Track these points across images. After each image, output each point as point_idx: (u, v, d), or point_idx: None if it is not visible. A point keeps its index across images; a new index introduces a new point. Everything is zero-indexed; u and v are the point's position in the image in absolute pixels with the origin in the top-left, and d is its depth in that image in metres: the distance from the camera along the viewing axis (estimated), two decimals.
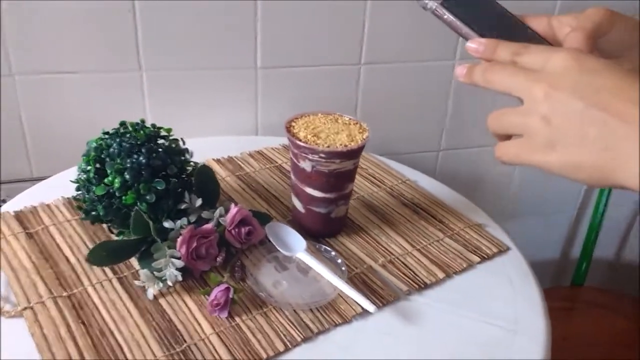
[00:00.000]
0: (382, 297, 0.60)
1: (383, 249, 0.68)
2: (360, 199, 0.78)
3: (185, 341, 0.53)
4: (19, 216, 0.68)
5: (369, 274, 0.64)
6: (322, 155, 0.62)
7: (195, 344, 0.53)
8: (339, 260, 0.64)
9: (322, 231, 0.69)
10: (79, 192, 0.64)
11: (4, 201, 0.84)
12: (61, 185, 0.75)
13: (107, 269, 0.61)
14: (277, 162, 0.86)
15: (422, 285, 0.63)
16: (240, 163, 0.85)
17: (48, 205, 0.71)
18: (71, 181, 0.64)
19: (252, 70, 0.94)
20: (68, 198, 0.73)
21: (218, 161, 0.85)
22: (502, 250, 0.69)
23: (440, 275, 0.64)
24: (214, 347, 0.53)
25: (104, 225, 0.67)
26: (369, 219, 0.74)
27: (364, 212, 0.75)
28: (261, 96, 0.97)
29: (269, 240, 0.65)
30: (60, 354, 0.50)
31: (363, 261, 0.66)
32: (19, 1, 0.80)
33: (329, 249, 0.65)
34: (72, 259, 0.62)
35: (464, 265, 0.66)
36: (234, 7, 0.88)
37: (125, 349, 0.51)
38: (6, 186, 0.90)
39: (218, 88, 0.94)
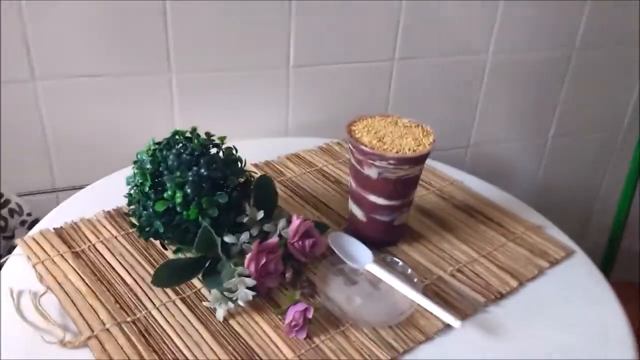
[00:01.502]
0: (460, 309, 0.58)
1: (448, 256, 0.65)
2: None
3: None
4: (60, 233, 0.64)
5: (440, 284, 0.61)
6: (392, 162, 0.59)
7: None
8: (409, 271, 0.61)
9: (384, 240, 0.66)
10: (131, 207, 0.60)
11: (30, 215, 0.79)
12: (96, 198, 0.71)
13: (168, 290, 0.57)
14: (317, 166, 0.83)
15: (498, 296, 0.60)
16: (279, 167, 0.82)
17: (89, 220, 0.66)
18: (125, 196, 0.60)
19: (283, 70, 0.90)
20: (109, 211, 0.68)
21: (256, 166, 0.81)
22: (569, 253, 0.67)
23: (514, 283, 0.62)
24: None
25: (155, 241, 0.63)
26: (425, 225, 0.71)
27: (420, 217, 0.72)
28: (292, 95, 0.93)
29: (332, 253, 0.62)
30: None
31: (430, 271, 0.63)
32: (42, 1, 0.74)
33: (396, 259, 0.62)
34: (129, 280, 0.58)
35: (535, 272, 0.64)
36: (264, 5, 0.84)
37: None
38: (28, 198, 0.84)
39: (247, 89, 0.90)
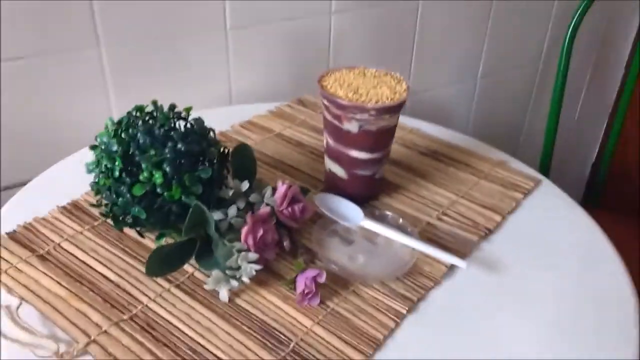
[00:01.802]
0: (458, 250, 0.58)
1: (430, 202, 0.66)
2: None
3: (290, 340, 0.47)
4: (16, 237, 0.56)
5: (431, 230, 0.61)
6: (372, 112, 0.58)
7: (303, 339, 0.47)
8: (401, 221, 0.60)
9: (367, 195, 0.65)
10: (99, 197, 0.54)
11: None
12: (42, 193, 0.64)
13: (159, 279, 0.52)
14: (275, 131, 0.79)
15: (487, 232, 0.61)
16: (236, 137, 0.77)
17: (44, 219, 0.59)
18: (91, 184, 0.53)
19: (221, 32, 0.85)
20: (64, 206, 0.61)
21: None
22: (537, 182, 0.70)
23: (498, 218, 0.63)
24: (324, 339, 0.47)
25: (129, 231, 0.57)
26: (399, 175, 0.71)
27: (392, 168, 0.72)
28: (232, 60, 0.88)
29: (320, 216, 0.60)
30: None
31: (418, 219, 0.63)
32: None
33: (385, 212, 0.61)
34: (111, 275, 0.52)
35: (513, 204, 0.66)
36: None
37: None
38: None
39: (185, 57, 0.84)
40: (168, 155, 0.51)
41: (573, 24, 1.05)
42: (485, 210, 0.65)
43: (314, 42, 0.94)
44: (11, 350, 0.45)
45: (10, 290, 0.50)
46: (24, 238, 0.56)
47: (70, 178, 0.64)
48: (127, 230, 0.58)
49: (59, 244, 0.56)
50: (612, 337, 0.50)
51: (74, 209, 0.61)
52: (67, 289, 0.50)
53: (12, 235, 0.57)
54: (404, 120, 0.84)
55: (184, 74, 0.85)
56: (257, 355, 0.46)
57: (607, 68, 1.39)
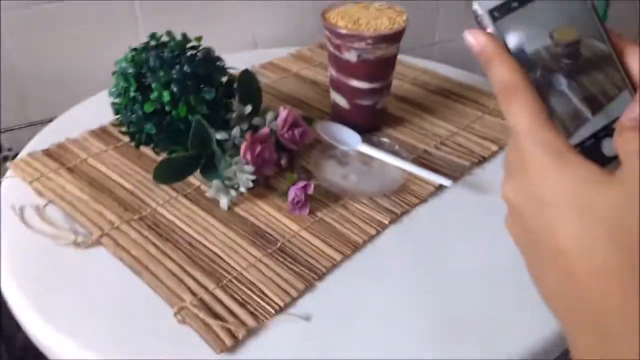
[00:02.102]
0: (449, 174, 0.61)
1: (431, 133, 0.68)
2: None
3: (278, 240, 0.52)
4: (50, 154, 0.64)
5: (426, 157, 0.64)
6: (369, 41, 0.61)
7: (289, 241, 0.52)
8: (397, 147, 0.63)
9: (368, 125, 0.68)
10: (118, 117, 0.60)
11: (10, 150, 0.78)
12: (74, 123, 0.71)
13: (168, 189, 0.58)
14: (292, 70, 0.84)
15: (481, 159, 0.64)
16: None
17: (75, 140, 0.66)
18: (111, 104, 0.60)
19: None
20: (92, 130, 0.68)
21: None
22: None
23: (494, 147, 0.65)
24: (308, 241, 0.52)
25: (146, 150, 0.64)
26: (405, 110, 0.73)
27: (398, 104, 0.75)
28: (257, 6, 0.92)
29: (321, 142, 0.64)
30: (160, 271, 0.48)
31: (416, 147, 0.66)
32: None
33: (383, 139, 0.65)
34: (127, 185, 0.59)
35: None
36: None
37: (223, 255, 0.50)
38: (4, 135, 0.83)
39: (211, 3, 0.89)
40: (175, 76, 0.56)
41: None
42: (484, 140, 0.67)
43: None
44: (37, 241, 0.52)
45: (40, 194, 0.58)
46: (55, 154, 0.64)
47: (102, 109, 0.71)
48: (145, 150, 0.64)
49: (85, 160, 0.63)
50: None
51: (101, 133, 0.68)
52: (88, 193, 0.57)
53: (46, 152, 0.64)
54: (421, 62, 0.86)
55: (211, 18, 0.90)
56: (247, 250, 0.51)
57: None
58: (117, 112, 0.60)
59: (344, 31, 0.61)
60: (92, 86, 0.78)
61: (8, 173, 0.61)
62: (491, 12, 0.30)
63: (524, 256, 0.29)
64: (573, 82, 0.31)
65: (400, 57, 0.87)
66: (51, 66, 0.83)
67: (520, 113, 0.28)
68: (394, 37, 0.62)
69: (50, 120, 0.74)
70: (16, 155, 0.75)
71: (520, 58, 0.30)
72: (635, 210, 0.24)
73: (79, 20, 0.81)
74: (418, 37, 1.09)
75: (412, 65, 0.85)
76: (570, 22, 0.31)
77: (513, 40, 0.30)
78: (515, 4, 0.30)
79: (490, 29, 0.30)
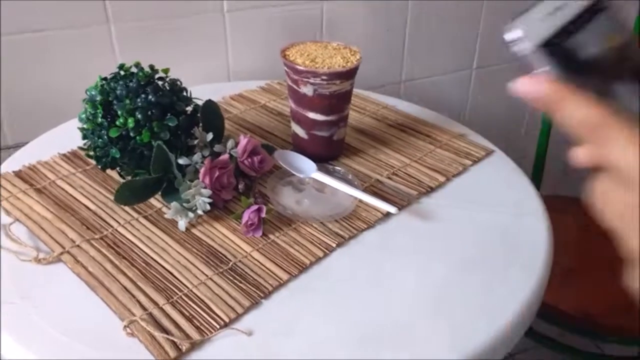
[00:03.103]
0: (396, 202, 0.65)
1: (384, 164, 0.73)
2: (349, 126, 0.81)
3: (229, 260, 0.55)
4: (20, 175, 0.67)
5: (378, 185, 0.68)
6: (324, 77, 0.65)
7: (240, 261, 0.55)
8: (350, 176, 0.67)
9: (325, 155, 0.72)
10: (85, 141, 0.64)
11: None
12: (47, 146, 0.74)
13: (130, 210, 0.61)
14: (260, 102, 0.88)
15: (429, 189, 0.68)
16: (224, 106, 0.86)
17: (46, 162, 0.70)
18: (78, 128, 0.63)
19: (219, 15, 0.94)
20: (64, 154, 0.71)
21: None
22: (489, 152, 0.76)
23: (442, 179, 0.70)
24: (258, 261, 0.55)
25: (112, 173, 0.67)
26: (362, 141, 0.78)
27: (357, 135, 0.79)
28: (230, 40, 0.97)
29: (279, 168, 0.68)
30: (114, 287, 0.51)
31: (369, 177, 0.70)
32: None
33: (337, 168, 0.69)
34: (92, 206, 0.62)
35: (460, 169, 0.72)
36: None
37: (176, 274, 0.53)
38: None
39: (186, 36, 0.94)
40: (140, 104, 0.60)
41: None
42: (433, 172, 0.71)
43: (308, 26, 1.03)
44: (1, 257, 0.55)
45: (8, 212, 0.61)
46: (26, 175, 0.67)
47: (74, 134, 0.74)
48: (111, 173, 0.67)
49: (54, 181, 0.66)
50: (517, 275, 0.56)
51: (71, 156, 0.71)
52: (53, 213, 0.60)
53: (17, 173, 0.67)
54: (383, 98, 0.91)
55: (185, 52, 0.95)
56: (199, 269, 0.54)
57: None
58: (84, 136, 0.64)
59: (301, 67, 0.65)
60: (66, 111, 0.82)
61: None
62: (544, 46, 0.28)
63: (626, 225, 0.29)
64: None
65: (364, 92, 0.93)
66: (27, 92, 0.86)
67: (625, 148, 0.28)
68: (347, 74, 0.66)
69: (19, 145, 0.78)
70: None
71: (580, 82, 0.28)
72: None
73: (56, 48, 0.85)
74: (387, 75, 1.14)
75: (374, 100, 0.90)
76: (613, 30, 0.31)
77: (566, 65, 0.28)
78: (557, 40, 0.28)
79: (543, 67, 0.28)
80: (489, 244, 0.60)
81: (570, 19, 0.29)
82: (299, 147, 0.72)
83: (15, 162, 0.70)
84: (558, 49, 0.28)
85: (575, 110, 0.28)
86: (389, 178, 0.70)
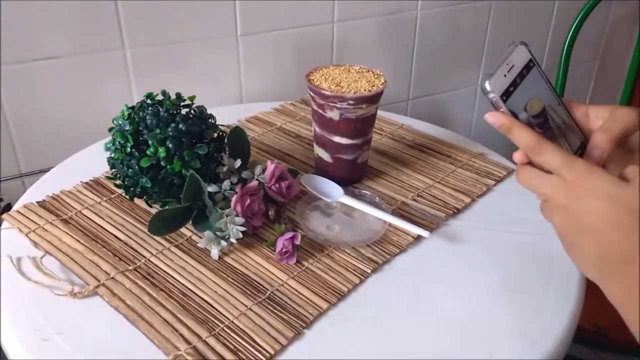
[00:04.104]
0: (426, 224, 0.65)
1: (408, 186, 0.73)
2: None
3: (267, 289, 0.55)
4: (45, 205, 0.66)
5: (404, 208, 0.68)
6: (351, 102, 0.66)
7: (278, 290, 0.55)
8: (377, 200, 0.68)
9: (350, 178, 0.73)
10: (115, 170, 0.64)
11: (1, 200, 0.80)
12: (68, 174, 0.73)
13: (161, 240, 0.61)
14: (276, 125, 0.88)
15: (455, 211, 0.68)
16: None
17: (70, 192, 0.69)
18: (107, 158, 0.63)
19: (232, 38, 0.95)
20: (87, 182, 0.71)
21: None
22: (510, 171, 0.76)
23: (467, 200, 0.70)
24: (296, 290, 0.55)
25: (139, 202, 0.67)
26: (384, 163, 0.78)
27: (378, 157, 0.79)
28: (243, 63, 0.98)
29: (306, 193, 0.68)
30: (155, 320, 0.51)
31: (395, 199, 0.70)
32: None
33: (364, 191, 0.69)
34: (122, 236, 0.62)
35: (484, 189, 0.72)
36: None
37: (215, 304, 0.53)
38: None
39: (200, 59, 0.94)
40: (170, 134, 0.60)
41: (570, 34, 1.11)
42: (457, 193, 0.72)
43: (319, 48, 1.03)
44: (35, 292, 0.54)
45: (36, 245, 0.60)
46: (51, 206, 0.66)
47: (95, 161, 0.74)
48: (138, 201, 0.67)
49: (80, 211, 0.65)
50: (554, 299, 0.56)
51: (95, 185, 0.71)
52: (83, 245, 0.60)
53: (42, 203, 0.67)
54: (397, 117, 0.92)
55: (199, 75, 0.95)
56: (238, 299, 0.54)
57: (610, 79, 1.44)
58: (113, 166, 0.63)
59: (327, 92, 0.66)
60: (84, 138, 0.81)
61: (4, 224, 0.63)
62: (501, 97, 0.45)
63: (565, 235, 0.45)
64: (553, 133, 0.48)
65: (379, 112, 0.93)
66: (44, 118, 0.86)
67: (553, 156, 0.44)
68: (373, 98, 0.67)
69: (42, 171, 0.77)
70: (8, 205, 0.78)
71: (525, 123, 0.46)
72: None
73: (71, 73, 0.85)
74: (395, 93, 1.15)
75: (388, 120, 0.90)
76: (540, 95, 0.48)
77: (515, 112, 0.46)
78: (511, 89, 0.46)
79: (502, 108, 0.45)
80: (522, 267, 0.60)
81: (515, 76, 0.46)
82: (323, 170, 0.73)
83: (38, 191, 0.69)
84: (508, 100, 0.45)
85: (518, 134, 0.45)
86: (415, 200, 0.70)
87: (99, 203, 0.67)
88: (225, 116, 0.90)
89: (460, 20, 1.14)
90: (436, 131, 0.88)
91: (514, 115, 0.46)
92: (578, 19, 1.14)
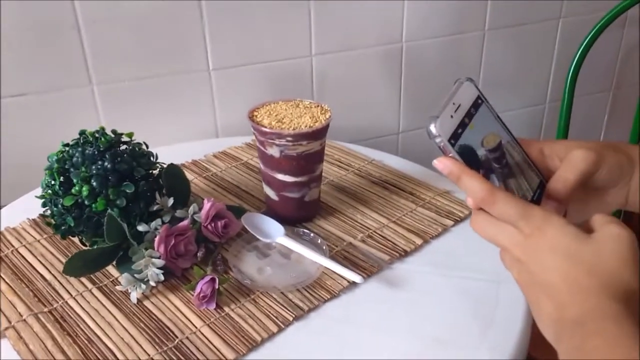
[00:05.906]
0: (365, 268, 0.61)
1: (360, 225, 0.69)
2: (330, 183, 0.78)
3: (176, 337, 0.52)
4: None
5: (349, 250, 0.64)
6: (289, 138, 0.63)
7: (188, 338, 0.52)
8: (319, 241, 0.64)
9: (297, 216, 0.69)
10: (46, 208, 0.63)
11: None
12: (23, 210, 0.73)
13: (85, 280, 0.59)
14: (242, 160, 0.86)
15: (403, 253, 0.64)
16: (205, 165, 0.85)
17: (14, 229, 0.69)
18: (36, 197, 0.62)
19: (205, 73, 0.94)
20: (34, 219, 0.71)
21: (182, 165, 0.84)
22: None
23: (418, 241, 0.65)
24: (207, 338, 0.52)
25: (76, 240, 0.65)
26: (341, 200, 0.75)
27: (336, 194, 0.76)
28: (217, 97, 0.97)
29: (247, 231, 0.65)
30: None
31: (342, 239, 0.66)
32: None
33: (306, 231, 0.66)
34: (48, 276, 0.60)
35: (440, 230, 0.68)
36: (178, 10, 0.88)
37: (117, 352, 0.50)
38: None
39: (172, 94, 0.94)
40: (94, 172, 0.59)
41: (573, 66, 1.06)
42: (410, 234, 0.67)
43: (298, 82, 1.01)
44: None
45: None
46: None
47: None
48: (76, 240, 0.66)
49: (17, 249, 0.65)
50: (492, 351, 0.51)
51: (40, 222, 0.70)
52: (7, 284, 0.59)
53: None
54: (369, 152, 0.88)
55: (173, 110, 0.95)
56: (142, 347, 0.51)
57: (625, 111, 1.35)
58: (44, 204, 0.62)
59: (265, 129, 0.63)
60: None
61: None
62: (449, 140, 0.41)
63: (525, 291, 0.42)
64: (509, 175, 0.45)
65: (351, 146, 0.90)
66: (8, 155, 0.87)
67: (506, 207, 0.41)
68: (314, 135, 0.64)
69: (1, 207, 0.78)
70: None
71: (477, 167, 0.42)
72: (607, 257, 0.38)
73: (37, 111, 0.86)
74: (384, 126, 1.12)
75: (359, 155, 0.87)
76: (495, 131, 0.45)
77: (467, 154, 0.42)
78: (460, 130, 0.42)
79: (451, 153, 0.42)
80: (462, 319, 0.55)
81: (463, 116, 0.43)
82: (270, 208, 0.70)
83: None
84: (457, 143, 0.42)
85: (468, 183, 0.42)
86: (363, 241, 0.66)
87: (38, 241, 0.66)
88: (195, 151, 0.90)
89: (451, 50, 1.10)
90: (408, 167, 0.84)
91: (471, 151, 0.42)
92: (582, 48, 1.08)
